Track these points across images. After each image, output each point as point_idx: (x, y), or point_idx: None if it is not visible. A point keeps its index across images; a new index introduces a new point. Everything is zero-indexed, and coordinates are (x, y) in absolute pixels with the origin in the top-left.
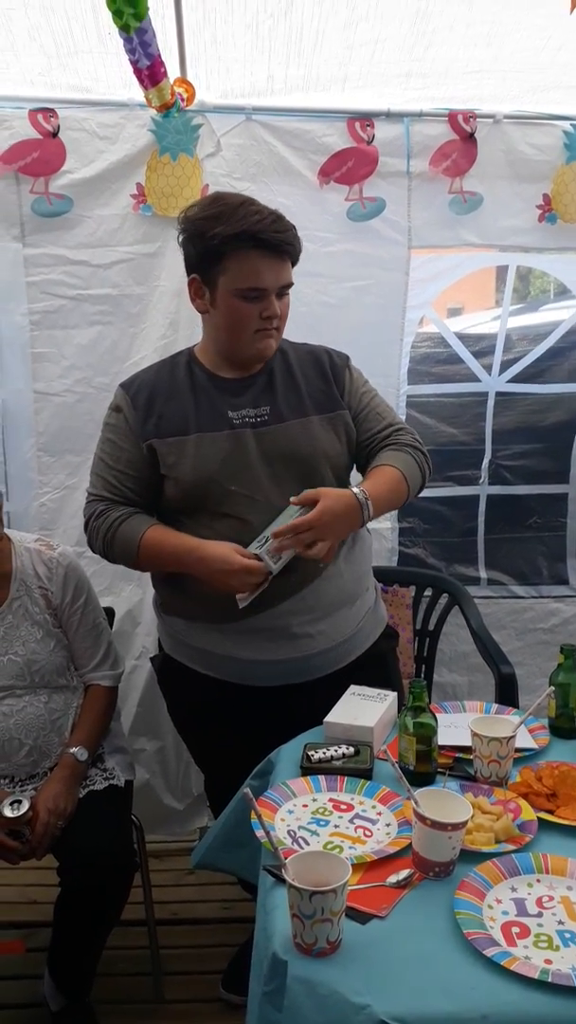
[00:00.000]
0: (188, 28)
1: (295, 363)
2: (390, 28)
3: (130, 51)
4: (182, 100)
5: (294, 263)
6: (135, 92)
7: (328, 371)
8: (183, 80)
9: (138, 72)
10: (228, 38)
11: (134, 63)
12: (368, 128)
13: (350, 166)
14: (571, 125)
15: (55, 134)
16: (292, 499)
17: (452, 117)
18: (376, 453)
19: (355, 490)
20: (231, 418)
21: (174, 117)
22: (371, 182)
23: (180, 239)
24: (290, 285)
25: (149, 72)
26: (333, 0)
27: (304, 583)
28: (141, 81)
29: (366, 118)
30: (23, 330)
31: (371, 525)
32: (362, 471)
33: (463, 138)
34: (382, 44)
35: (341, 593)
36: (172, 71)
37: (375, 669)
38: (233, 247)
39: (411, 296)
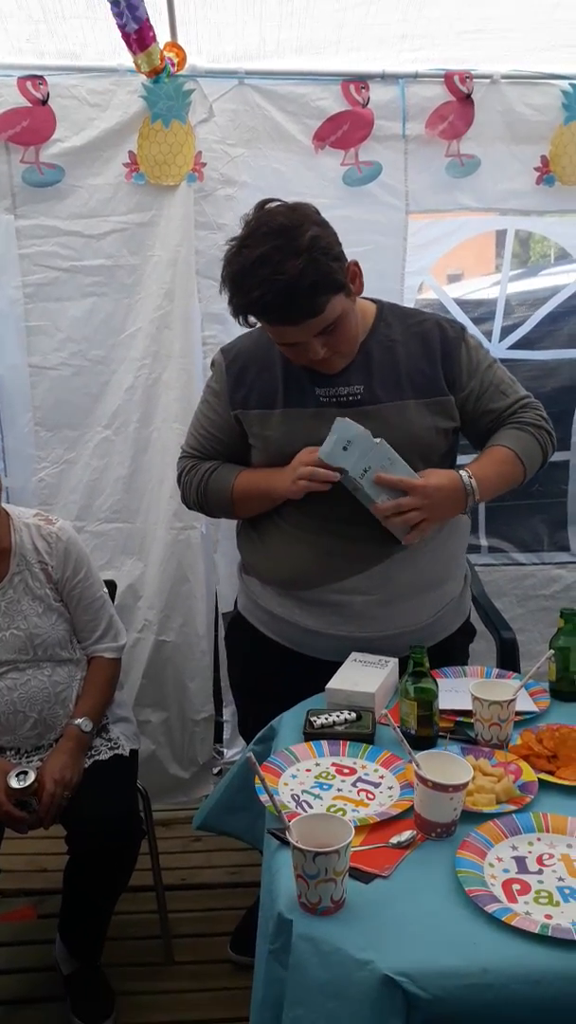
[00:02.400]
0: None
1: (400, 340)
2: None
3: (118, 15)
4: (172, 65)
5: (338, 291)
6: (125, 58)
7: (437, 351)
8: (174, 44)
9: (126, 36)
10: (218, 0)
11: (122, 27)
12: (363, 91)
13: (345, 130)
14: (570, 85)
15: (44, 102)
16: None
17: (448, 78)
18: (498, 430)
19: (462, 472)
20: (318, 395)
21: (165, 83)
22: (367, 146)
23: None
24: (334, 321)
25: (137, 36)
26: None
27: (372, 561)
28: (129, 46)
29: (361, 80)
30: (17, 303)
31: None
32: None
33: (459, 100)
34: (376, 5)
35: (417, 578)
36: (162, 35)
37: (440, 664)
38: (248, 314)
39: (409, 262)
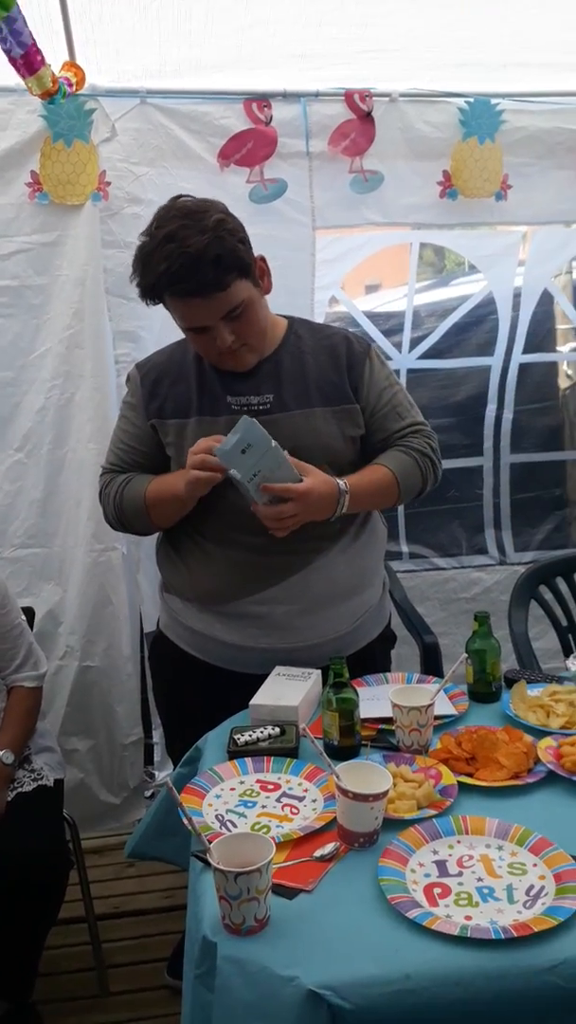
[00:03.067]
0: (73, 9)
1: (309, 351)
2: (279, 10)
3: (1, 40)
4: (69, 85)
5: (244, 276)
6: None
7: (343, 362)
8: (72, 64)
9: (13, 61)
10: (115, 19)
11: (7, 52)
12: (265, 109)
13: (249, 147)
14: (465, 102)
15: None
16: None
17: (348, 96)
18: (387, 449)
19: (340, 482)
20: (230, 403)
21: (60, 104)
22: (272, 163)
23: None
24: (241, 304)
25: (24, 61)
26: None
27: (290, 571)
28: (18, 70)
29: (263, 99)
30: None
31: None
32: None
33: (360, 117)
34: (273, 25)
35: (334, 587)
36: (60, 54)
37: (363, 671)
38: (156, 293)
39: (319, 277)
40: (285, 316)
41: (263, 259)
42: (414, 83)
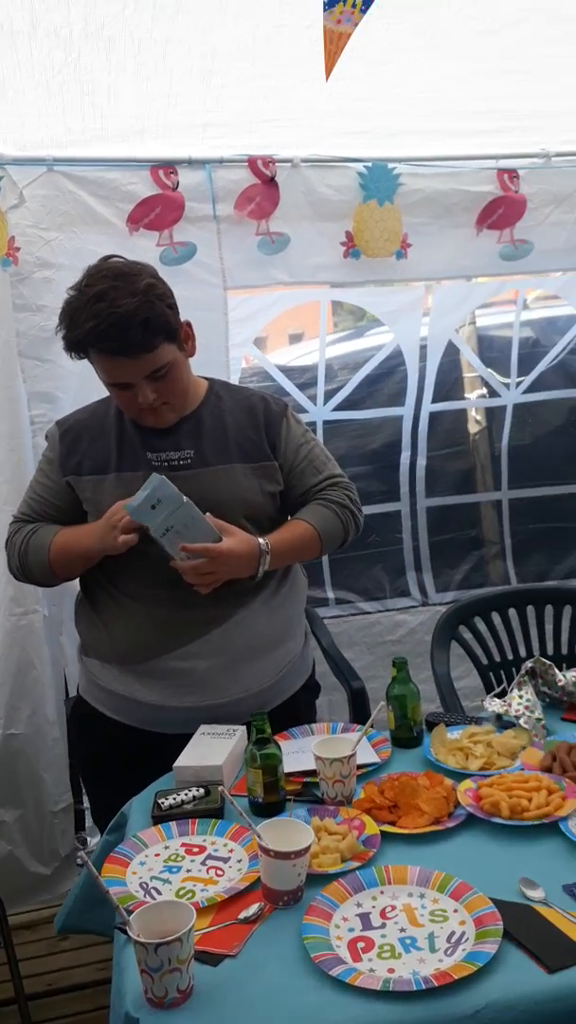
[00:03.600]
0: None
1: (228, 409)
2: (179, 85)
3: None
4: None
5: (170, 340)
6: None
7: (261, 421)
8: None
9: None
10: (19, 93)
11: None
12: (172, 175)
13: (158, 212)
14: (364, 166)
15: None
16: (207, 513)
17: (252, 162)
18: (307, 504)
19: (261, 541)
20: (149, 459)
21: None
22: (180, 227)
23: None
24: (166, 366)
25: None
26: (119, 57)
27: (212, 625)
28: None
29: (169, 165)
30: None
31: None
32: None
33: (264, 182)
34: (174, 98)
35: (256, 639)
36: None
37: (287, 723)
38: (82, 348)
39: (233, 335)
40: (206, 378)
41: (189, 324)
42: (315, 149)
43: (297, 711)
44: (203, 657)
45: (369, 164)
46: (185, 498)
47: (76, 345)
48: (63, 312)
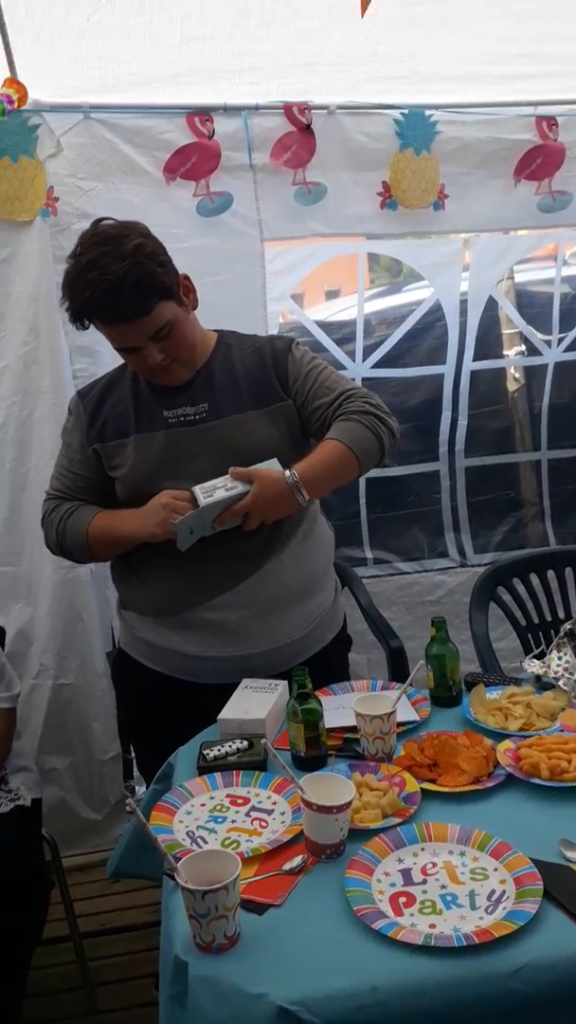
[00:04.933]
0: (12, 25)
1: (238, 357)
2: (214, 26)
3: None
4: (10, 102)
5: (166, 298)
6: None
7: (269, 361)
8: (12, 80)
9: None
10: (56, 36)
11: None
12: (207, 123)
13: (194, 162)
14: (400, 114)
15: None
16: (230, 470)
17: (287, 109)
18: (330, 426)
19: (286, 473)
20: (166, 417)
21: (3, 120)
22: (217, 176)
23: None
24: (167, 325)
25: None
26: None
27: (241, 576)
28: None
29: (204, 113)
30: None
31: None
32: None
33: (300, 130)
34: (211, 40)
35: (285, 590)
36: (1, 71)
37: (320, 675)
38: (82, 318)
39: (269, 288)
40: (215, 330)
41: (187, 277)
42: (351, 96)
43: (329, 663)
44: (234, 608)
45: (405, 111)
46: (199, 506)
47: (77, 316)
48: (63, 285)
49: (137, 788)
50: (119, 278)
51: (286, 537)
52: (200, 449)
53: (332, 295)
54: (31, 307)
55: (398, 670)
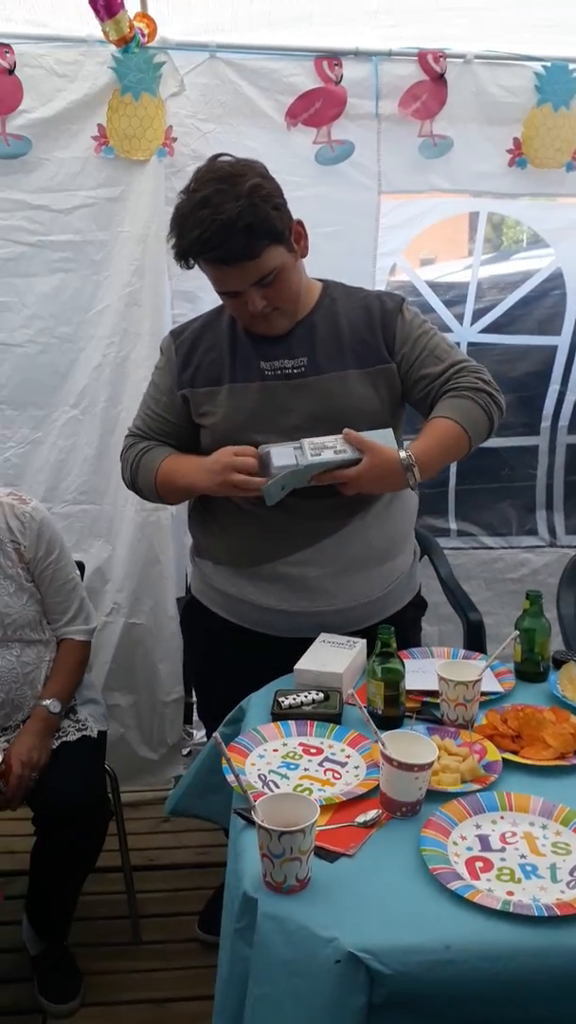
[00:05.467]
0: None
1: (342, 312)
2: None
3: None
4: (142, 36)
5: (277, 243)
6: (94, 28)
7: (377, 320)
8: (144, 15)
9: (93, 3)
10: None
11: None
12: (336, 68)
13: (318, 107)
14: (542, 66)
15: (11, 71)
16: (345, 432)
17: (422, 57)
18: (437, 401)
19: (402, 454)
20: (263, 369)
21: (135, 53)
22: (339, 124)
23: None
24: (273, 271)
25: (105, 3)
26: None
27: (325, 533)
28: (97, 12)
29: (334, 57)
30: None
31: None
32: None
33: (433, 79)
34: None
35: (367, 551)
36: (132, 5)
37: (396, 637)
38: (189, 257)
39: (381, 243)
40: (320, 280)
41: (300, 223)
42: (490, 44)
43: (404, 626)
44: (315, 565)
45: (548, 64)
46: (309, 468)
47: (183, 254)
48: (173, 220)
49: (195, 733)
50: (232, 219)
51: (373, 498)
52: (295, 404)
53: (427, 262)
54: (139, 248)
55: (475, 643)
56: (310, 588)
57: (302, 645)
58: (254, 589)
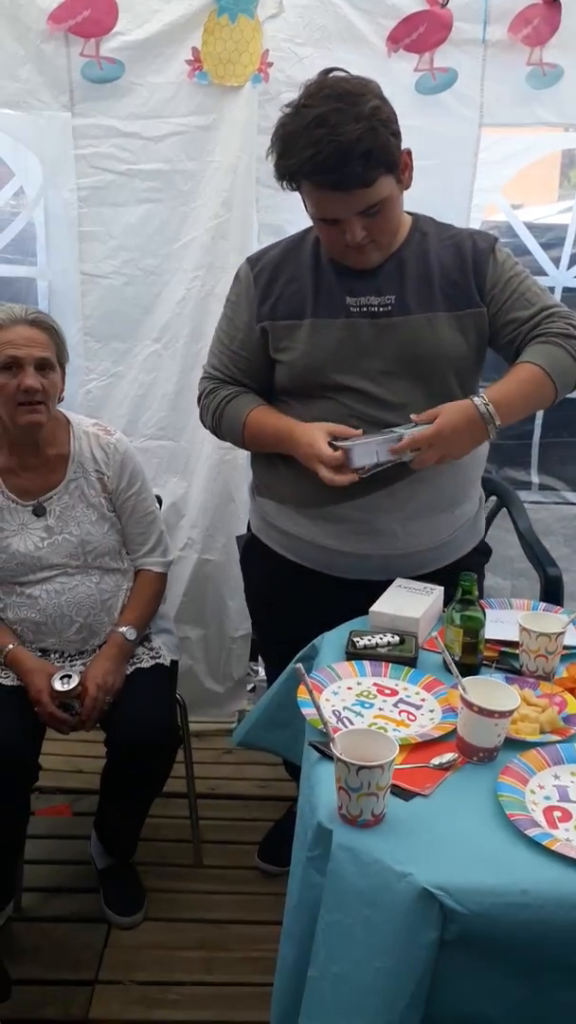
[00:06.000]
0: None
1: (433, 250)
2: None
3: None
4: None
5: (390, 172)
6: None
7: (469, 261)
8: None
9: None
10: None
11: None
12: None
13: (421, 32)
14: None
15: None
16: (413, 416)
17: None
18: (524, 347)
19: (476, 400)
20: (348, 305)
21: None
22: (443, 51)
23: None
24: (380, 202)
25: None
26: None
27: (395, 479)
28: None
29: None
30: (71, 207)
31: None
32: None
33: (546, 2)
34: None
35: (437, 496)
36: None
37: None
38: (295, 178)
39: (479, 179)
40: (411, 213)
41: (409, 153)
42: None
43: (469, 571)
44: (384, 509)
45: None
46: (389, 431)
47: (289, 175)
48: (276, 134)
49: (259, 669)
50: (351, 141)
51: None
52: (379, 345)
53: (516, 208)
54: (228, 179)
55: (552, 599)
56: (377, 531)
57: (362, 587)
58: (318, 530)
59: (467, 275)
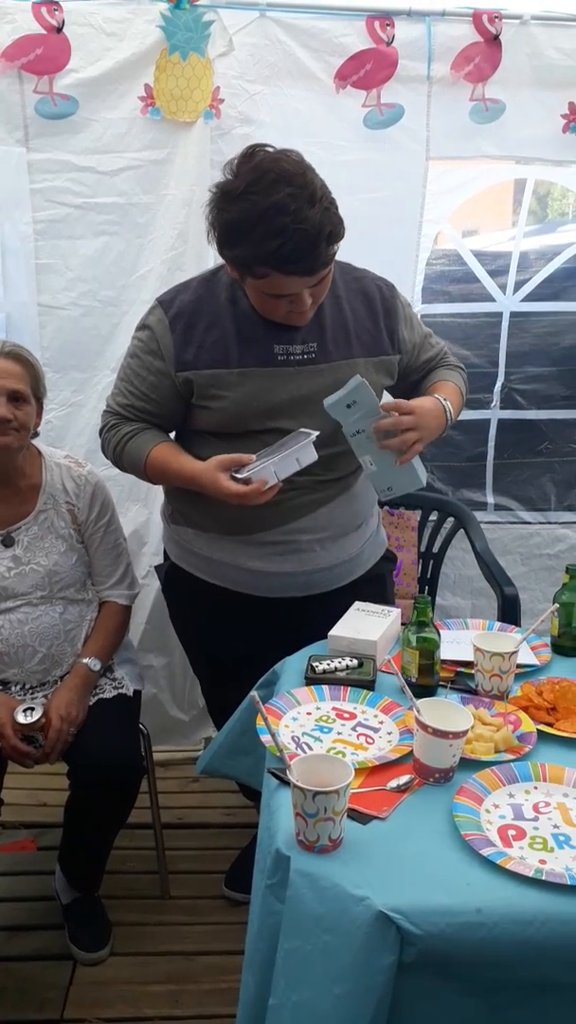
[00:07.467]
0: None
1: (344, 296)
2: None
3: None
4: None
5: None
6: None
7: (379, 309)
8: None
9: None
10: None
11: None
12: (388, 28)
13: (368, 69)
14: None
15: (59, 29)
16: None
17: (476, 17)
18: (431, 372)
19: (437, 396)
20: (276, 353)
21: (184, 11)
22: (389, 87)
23: (206, 209)
24: (328, 271)
25: None
26: None
27: (318, 505)
28: None
29: (386, 16)
30: (27, 240)
31: None
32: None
33: (487, 40)
34: None
35: (354, 515)
36: None
37: (373, 589)
38: (252, 268)
39: (427, 210)
40: None
41: None
42: (548, 5)
43: (382, 580)
44: (307, 532)
45: None
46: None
47: (250, 263)
48: (227, 223)
49: None
50: (316, 227)
51: (354, 472)
52: (307, 392)
53: (470, 234)
54: (183, 212)
55: (509, 618)
56: (300, 551)
57: (285, 605)
58: (242, 553)
59: (378, 322)
